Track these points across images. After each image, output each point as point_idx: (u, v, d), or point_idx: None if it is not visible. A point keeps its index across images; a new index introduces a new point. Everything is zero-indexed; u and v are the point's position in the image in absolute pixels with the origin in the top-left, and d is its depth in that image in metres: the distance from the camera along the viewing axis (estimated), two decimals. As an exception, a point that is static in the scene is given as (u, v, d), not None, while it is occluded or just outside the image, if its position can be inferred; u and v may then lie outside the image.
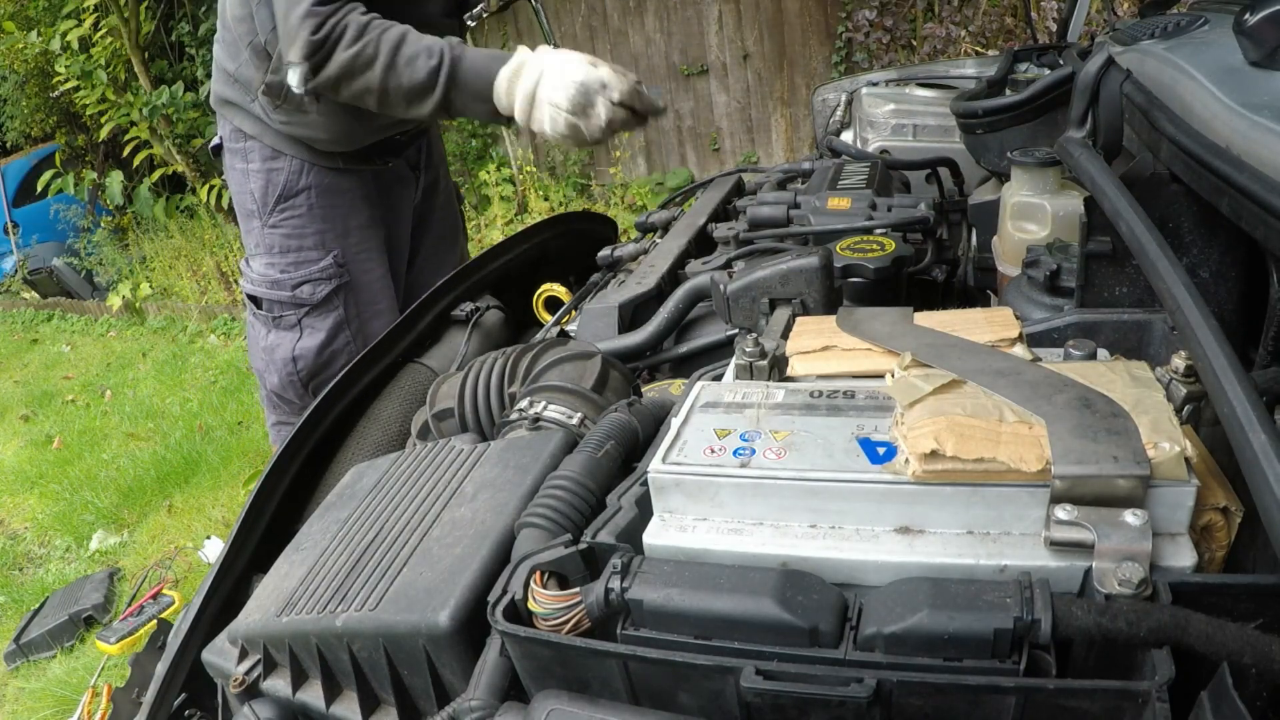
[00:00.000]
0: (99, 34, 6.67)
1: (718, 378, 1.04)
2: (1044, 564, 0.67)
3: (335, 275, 2.17)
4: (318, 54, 1.77)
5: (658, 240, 1.93)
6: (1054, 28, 2.98)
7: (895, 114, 2.46)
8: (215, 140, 2.26)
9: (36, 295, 8.08)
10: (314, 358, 2.20)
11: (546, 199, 6.82)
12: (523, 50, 1.79)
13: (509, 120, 1.82)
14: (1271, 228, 0.84)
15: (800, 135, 6.47)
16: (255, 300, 2.23)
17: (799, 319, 1.14)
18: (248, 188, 2.19)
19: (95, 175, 8.13)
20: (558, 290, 1.93)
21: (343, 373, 1.54)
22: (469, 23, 2.20)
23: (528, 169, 6.80)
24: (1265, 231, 0.86)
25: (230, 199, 2.34)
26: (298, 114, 2.02)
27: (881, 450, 0.76)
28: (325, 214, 2.18)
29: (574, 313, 1.83)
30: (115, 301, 7.00)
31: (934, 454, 0.70)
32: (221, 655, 1.06)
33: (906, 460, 0.73)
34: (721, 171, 2.35)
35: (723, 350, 1.41)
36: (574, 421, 1.17)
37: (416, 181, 2.42)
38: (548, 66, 1.74)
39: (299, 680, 0.96)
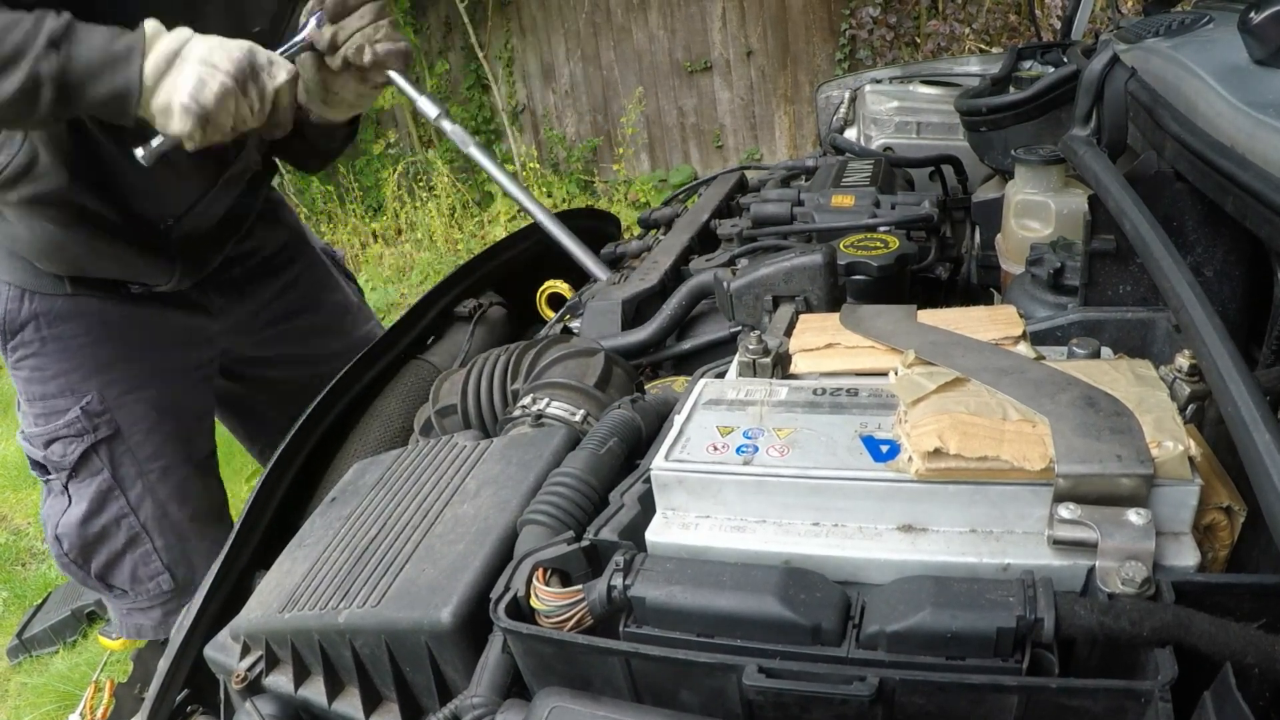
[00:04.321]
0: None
1: (721, 375, 1.04)
2: (1047, 563, 0.67)
3: (88, 429, 1.68)
4: None
5: (661, 237, 1.93)
6: (1058, 25, 2.98)
7: (899, 111, 2.46)
8: None
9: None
10: (76, 534, 1.72)
11: (550, 195, 6.82)
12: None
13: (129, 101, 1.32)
14: (1276, 226, 0.84)
15: (804, 132, 6.47)
16: (30, 459, 1.76)
17: (802, 316, 1.14)
18: None
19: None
20: (561, 287, 1.93)
21: (345, 369, 1.54)
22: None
23: (531, 165, 6.79)
24: (1269, 230, 0.86)
25: None
26: None
27: (885, 448, 0.76)
28: (65, 349, 1.67)
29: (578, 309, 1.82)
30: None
31: (937, 452, 0.70)
32: (224, 651, 1.06)
33: (910, 458, 0.72)
34: (725, 168, 2.34)
35: (726, 347, 1.41)
36: (577, 418, 1.17)
37: (208, 307, 1.84)
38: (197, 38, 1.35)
39: (301, 676, 0.96)
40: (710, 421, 0.84)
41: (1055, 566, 0.67)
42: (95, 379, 1.68)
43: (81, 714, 1.53)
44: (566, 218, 2.26)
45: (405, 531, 0.98)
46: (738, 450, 0.79)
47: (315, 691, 0.95)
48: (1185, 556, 0.66)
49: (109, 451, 1.70)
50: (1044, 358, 0.87)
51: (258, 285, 1.93)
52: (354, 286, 2.20)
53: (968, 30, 5.66)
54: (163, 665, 1.16)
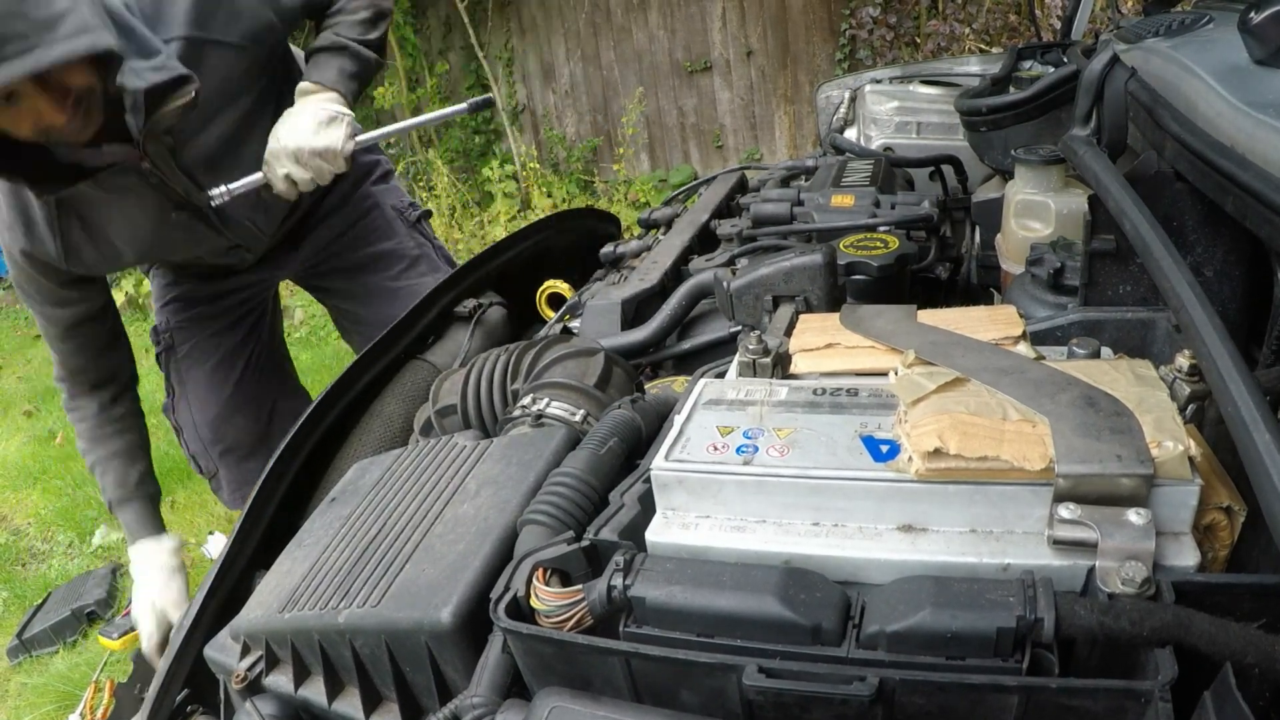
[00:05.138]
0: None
1: (721, 375, 1.04)
2: (1047, 563, 0.67)
3: (157, 341, 2.37)
4: None
5: (660, 237, 1.93)
6: (1058, 25, 2.98)
7: (899, 111, 2.46)
8: None
9: (40, 291, 8.08)
10: (165, 407, 2.45)
11: (550, 195, 6.81)
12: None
13: None
14: (1276, 226, 0.84)
15: (804, 132, 6.46)
16: None
17: (802, 316, 1.14)
18: None
19: (98, 171, 8.12)
20: (561, 287, 1.93)
21: (345, 370, 1.54)
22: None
23: (531, 165, 6.79)
24: (1269, 230, 0.86)
25: None
26: None
27: (885, 448, 0.76)
28: (159, 291, 2.40)
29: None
30: (118, 297, 7.01)
31: (937, 452, 0.70)
32: (224, 651, 1.06)
33: (910, 458, 0.72)
34: (724, 168, 2.34)
35: (726, 347, 1.41)
36: (577, 418, 1.17)
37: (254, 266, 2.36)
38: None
39: (301, 676, 0.96)
40: (710, 421, 0.84)
41: (1055, 566, 0.67)
42: (165, 309, 2.37)
43: (81, 714, 1.53)
44: (566, 218, 2.26)
45: (405, 531, 0.98)
46: (738, 450, 0.79)
47: (315, 691, 0.95)
48: (1185, 556, 0.66)
49: (168, 358, 2.38)
50: (1044, 358, 0.87)
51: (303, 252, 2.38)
52: (420, 240, 2.50)
53: (968, 30, 5.66)
54: (163, 665, 1.16)
